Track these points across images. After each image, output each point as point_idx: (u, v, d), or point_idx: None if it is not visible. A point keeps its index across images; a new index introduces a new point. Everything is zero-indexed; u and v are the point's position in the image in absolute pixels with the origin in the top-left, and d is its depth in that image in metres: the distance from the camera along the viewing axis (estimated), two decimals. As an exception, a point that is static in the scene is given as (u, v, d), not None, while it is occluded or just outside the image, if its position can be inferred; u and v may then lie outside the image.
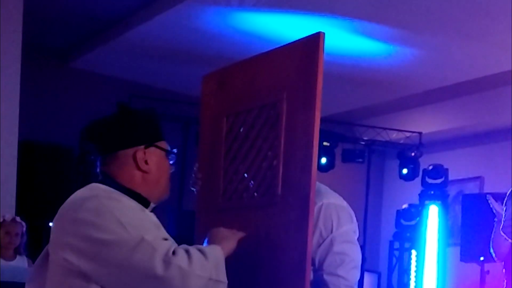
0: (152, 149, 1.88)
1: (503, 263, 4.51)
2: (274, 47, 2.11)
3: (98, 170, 1.90)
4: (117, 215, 1.74)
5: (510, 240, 3.91)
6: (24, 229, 4.80)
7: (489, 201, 5.08)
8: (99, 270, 1.72)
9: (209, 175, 2.22)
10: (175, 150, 1.95)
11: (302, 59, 2.00)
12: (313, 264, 2.10)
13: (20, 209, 5.38)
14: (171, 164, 1.93)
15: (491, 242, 4.94)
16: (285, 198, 1.99)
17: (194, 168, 2.24)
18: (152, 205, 1.91)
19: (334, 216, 2.17)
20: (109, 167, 1.87)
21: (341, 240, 2.15)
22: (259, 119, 2.08)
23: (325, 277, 2.13)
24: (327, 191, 2.24)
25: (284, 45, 2.08)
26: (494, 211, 5.04)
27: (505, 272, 4.85)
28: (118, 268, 1.71)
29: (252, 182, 2.09)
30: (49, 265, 1.82)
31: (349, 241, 2.18)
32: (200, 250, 1.78)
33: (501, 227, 3.75)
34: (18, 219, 4.75)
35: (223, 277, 1.79)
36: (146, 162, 1.86)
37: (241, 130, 2.12)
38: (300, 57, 2.01)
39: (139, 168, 1.85)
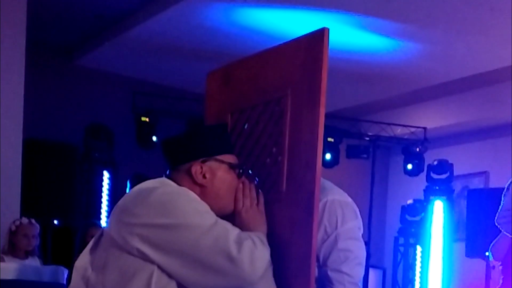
0: (211, 162, 1.89)
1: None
2: (278, 43, 2.11)
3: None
4: (188, 203, 1.79)
5: (504, 233, 3.90)
6: (38, 230, 4.87)
7: None
8: (172, 255, 1.74)
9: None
10: (244, 165, 1.97)
11: (307, 55, 1.99)
12: (317, 260, 2.09)
13: (24, 207, 5.39)
14: (240, 177, 1.94)
15: (491, 246, 4.94)
16: (290, 195, 1.98)
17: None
18: None
19: (339, 213, 2.15)
20: (175, 177, 1.90)
21: (345, 236, 2.14)
22: (264, 115, 2.07)
23: (329, 273, 2.13)
24: (332, 187, 2.23)
25: (288, 41, 2.07)
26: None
27: (502, 268, 4.85)
28: (192, 249, 1.73)
29: (256, 178, 2.09)
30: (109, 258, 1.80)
31: (354, 237, 2.17)
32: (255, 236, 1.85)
33: (496, 218, 3.72)
34: (33, 221, 4.82)
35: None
36: (204, 176, 1.87)
37: (246, 126, 2.12)
38: (304, 52, 2.00)
39: (195, 182, 1.87)
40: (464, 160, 6.92)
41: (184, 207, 1.78)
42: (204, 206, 1.83)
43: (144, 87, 6.52)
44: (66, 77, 6.71)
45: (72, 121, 6.51)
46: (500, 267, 4.46)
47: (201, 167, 1.88)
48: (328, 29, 2.00)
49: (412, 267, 6.64)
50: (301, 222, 1.93)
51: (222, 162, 1.91)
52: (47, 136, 6.15)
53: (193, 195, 1.84)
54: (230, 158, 1.94)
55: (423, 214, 6.37)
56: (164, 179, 1.90)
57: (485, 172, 7.04)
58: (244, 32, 5.58)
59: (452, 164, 6.57)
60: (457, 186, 6.81)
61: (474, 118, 6.76)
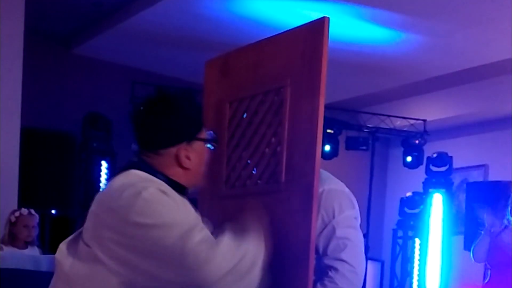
0: (194, 143, 1.82)
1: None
2: (277, 33, 2.08)
3: (136, 157, 1.83)
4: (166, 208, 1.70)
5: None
6: (37, 220, 4.86)
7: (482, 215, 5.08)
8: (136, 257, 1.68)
9: (212, 162, 2.19)
10: (213, 135, 1.89)
11: (307, 45, 1.97)
12: (316, 251, 2.08)
13: (22, 196, 5.38)
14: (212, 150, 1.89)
15: (472, 247, 4.95)
16: (289, 185, 1.96)
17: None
18: (188, 190, 1.88)
19: (336, 202, 2.16)
20: (151, 160, 1.81)
21: (343, 225, 2.15)
22: (263, 105, 2.05)
23: (329, 262, 2.12)
24: (329, 177, 2.23)
25: (288, 30, 2.05)
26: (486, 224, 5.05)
27: (490, 266, 4.86)
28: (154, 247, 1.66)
29: (255, 169, 2.07)
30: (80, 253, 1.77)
31: (351, 226, 2.18)
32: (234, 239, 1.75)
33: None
34: (33, 211, 4.81)
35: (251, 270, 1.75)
36: (188, 158, 1.81)
37: (245, 116, 2.10)
38: (304, 42, 1.98)
39: (181, 166, 1.81)
40: (463, 153, 6.89)
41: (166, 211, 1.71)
42: (175, 212, 1.73)
43: (143, 76, 6.49)
44: (65, 66, 6.67)
45: (70, 111, 6.48)
46: (487, 264, 4.50)
47: (186, 150, 1.81)
48: (329, 18, 1.97)
49: (410, 259, 6.63)
50: (300, 213, 1.91)
51: (202, 140, 1.85)
52: (45, 125, 6.12)
53: (167, 196, 1.74)
54: (204, 133, 1.87)
55: (422, 206, 6.35)
56: (131, 174, 1.78)
57: (484, 165, 7.03)
58: (243, 22, 5.55)
59: (451, 157, 6.55)
60: (456, 179, 6.80)
61: (474, 110, 6.74)
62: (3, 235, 4.78)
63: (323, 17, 1.96)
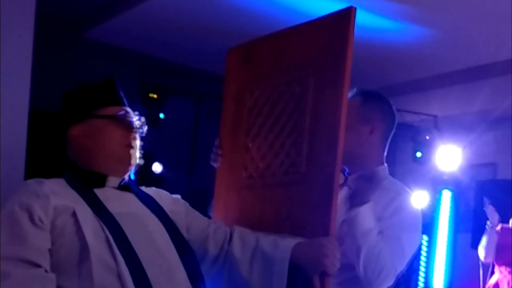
0: (89, 121, 1.80)
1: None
2: (297, 22, 2.04)
3: None
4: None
5: None
6: None
7: (484, 208, 5.05)
8: None
9: (230, 151, 2.16)
10: (121, 113, 1.83)
11: (332, 34, 1.93)
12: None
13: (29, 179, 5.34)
14: (127, 127, 1.82)
15: (480, 245, 4.91)
16: (309, 177, 1.93)
17: (215, 143, 2.18)
18: (113, 179, 1.81)
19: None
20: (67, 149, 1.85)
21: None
22: (285, 95, 2.02)
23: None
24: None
25: (313, 20, 2.01)
26: (489, 217, 5.02)
27: (497, 264, 4.83)
28: None
29: (275, 159, 2.03)
30: None
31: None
32: None
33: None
34: None
35: None
36: (87, 137, 1.79)
37: (266, 105, 2.06)
38: (330, 32, 1.94)
39: (80, 146, 1.80)
40: (473, 150, 6.84)
41: None
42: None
43: (153, 63, 6.44)
44: (75, 50, 6.62)
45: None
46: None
47: (79, 129, 1.81)
48: (355, 8, 1.95)
49: (417, 256, 6.59)
50: (319, 206, 1.88)
51: (100, 116, 1.81)
52: (53, 108, 6.09)
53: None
54: (110, 111, 1.83)
55: (430, 203, 6.31)
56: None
57: (493, 163, 6.98)
58: (255, 9, 5.47)
59: (461, 154, 6.49)
60: (465, 176, 6.74)
61: (485, 107, 6.67)
62: None
63: (350, 7, 1.93)
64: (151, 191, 1.95)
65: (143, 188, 1.94)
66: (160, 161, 5.78)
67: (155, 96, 6.03)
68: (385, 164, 2.28)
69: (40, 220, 1.65)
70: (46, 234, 1.65)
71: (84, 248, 1.65)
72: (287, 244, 1.82)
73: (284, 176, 2.00)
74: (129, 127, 1.83)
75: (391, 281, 2.08)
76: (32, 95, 5.34)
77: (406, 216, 2.14)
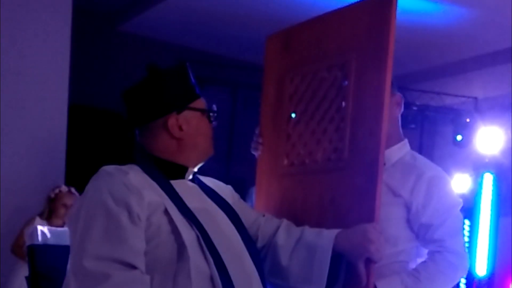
0: (185, 112, 1.75)
1: None
2: (333, 8, 2.01)
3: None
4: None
5: None
6: None
7: None
8: None
9: (271, 139, 2.14)
10: (214, 107, 1.81)
11: (374, 18, 1.90)
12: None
13: (69, 174, 5.42)
14: (212, 121, 1.80)
15: None
16: (352, 163, 1.90)
17: (256, 132, 2.17)
18: (191, 170, 1.79)
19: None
20: (143, 138, 1.77)
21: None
22: (326, 80, 1.99)
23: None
24: (430, 163, 2.24)
25: (353, 3, 1.98)
26: None
27: None
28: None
29: (317, 146, 2.01)
30: None
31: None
32: None
33: None
34: (73, 190, 4.77)
35: None
36: (180, 128, 1.74)
37: (307, 92, 2.04)
38: (371, 15, 1.91)
39: (173, 137, 1.74)
40: (514, 132, 6.69)
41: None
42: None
43: (188, 53, 6.46)
44: (112, 44, 6.69)
45: (116, 88, 6.49)
46: None
47: (177, 119, 1.74)
48: (397, -10, 1.90)
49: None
50: (364, 191, 1.85)
51: (196, 109, 1.77)
52: (92, 103, 6.16)
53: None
54: (201, 104, 1.79)
55: (471, 187, 6.20)
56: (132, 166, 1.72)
57: (536, 144, 6.82)
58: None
59: (502, 136, 6.36)
60: (507, 158, 6.60)
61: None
62: (43, 211, 4.77)
63: (391, -10, 1.89)
64: (210, 181, 1.92)
65: (202, 178, 1.90)
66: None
67: (191, 87, 6.04)
68: (406, 139, 2.28)
69: (139, 218, 1.57)
70: (142, 233, 1.58)
71: (181, 248, 1.59)
72: (331, 232, 1.80)
73: (326, 163, 1.98)
74: (211, 120, 1.81)
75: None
76: (70, 89, 5.41)
77: (440, 200, 2.15)
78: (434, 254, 2.13)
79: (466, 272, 2.19)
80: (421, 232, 2.14)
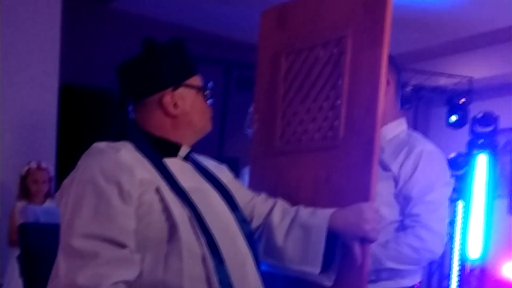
0: (181, 89, 1.71)
1: None
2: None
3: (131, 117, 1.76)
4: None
5: None
6: (52, 174, 4.78)
7: None
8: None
9: (266, 117, 2.11)
10: (210, 84, 1.78)
11: (370, -7, 1.85)
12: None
13: (60, 153, 5.38)
14: (207, 99, 1.76)
15: None
16: (348, 141, 1.87)
17: (250, 110, 2.13)
18: (184, 148, 1.76)
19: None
20: (138, 114, 1.74)
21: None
22: (322, 56, 1.95)
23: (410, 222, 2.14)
24: (423, 138, 2.24)
25: (349, -22, 1.93)
26: None
27: None
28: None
29: (312, 123, 1.98)
30: None
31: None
32: None
33: None
34: (43, 165, 4.71)
35: None
36: (175, 106, 1.71)
37: (302, 68, 2.00)
38: (367, -9, 1.87)
39: (167, 114, 1.71)
40: (509, 113, 6.67)
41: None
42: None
43: (180, 32, 6.38)
44: (103, 22, 6.60)
45: (109, 67, 6.42)
46: None
47: (172, 96, 1.70)
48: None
49: (452, 222, 6.50)
50: (359, 170, 1.82)
51: (192, 86, 1.73)
52: (83, 81, 6.09)
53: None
54: (197, 81, 1.75)
55: (465, 168, 6.18)
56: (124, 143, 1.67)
57: (530, 126, 6.81)
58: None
59: (497, 117, 6.34)
60: (502, 140, 6.60)
61: (522, 69, 6.50)
62: (18, 192, 4.70)
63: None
64: (205, 160, 1.88)
65: (197, 157, 1.87)
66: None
67: (183, 65, 5.98)
68: (404, 118, 2.27)
69: (129, 196, 1.54)
70: (133, 211, 1.54)
71: (172, 228, 1.56)
72: (325, 211, 1.78)
73: (322, 141, 1.95)
74: (207, 98, 1.77)
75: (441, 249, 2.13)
76: (61, 68, 5.35)
77: (423, 174, 2.14)
78: (407, 228, 2.11)
79: (438, 253, 2.14)
80: (403, 206, 2.13)
